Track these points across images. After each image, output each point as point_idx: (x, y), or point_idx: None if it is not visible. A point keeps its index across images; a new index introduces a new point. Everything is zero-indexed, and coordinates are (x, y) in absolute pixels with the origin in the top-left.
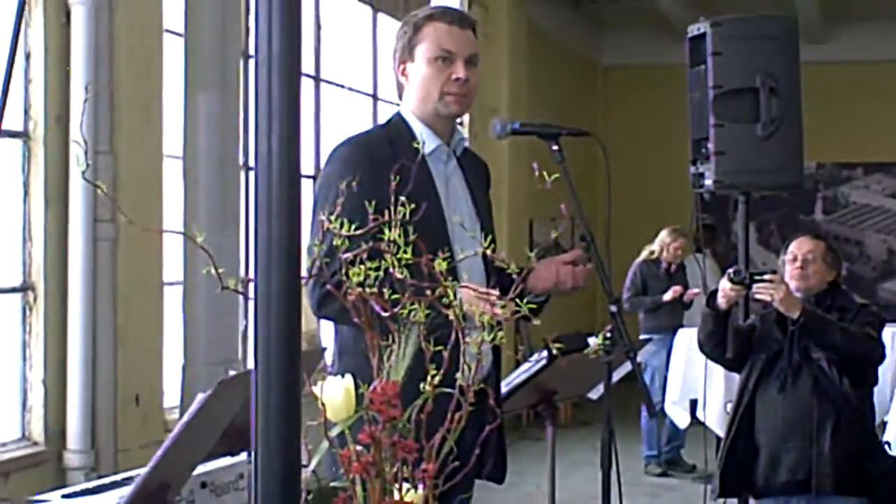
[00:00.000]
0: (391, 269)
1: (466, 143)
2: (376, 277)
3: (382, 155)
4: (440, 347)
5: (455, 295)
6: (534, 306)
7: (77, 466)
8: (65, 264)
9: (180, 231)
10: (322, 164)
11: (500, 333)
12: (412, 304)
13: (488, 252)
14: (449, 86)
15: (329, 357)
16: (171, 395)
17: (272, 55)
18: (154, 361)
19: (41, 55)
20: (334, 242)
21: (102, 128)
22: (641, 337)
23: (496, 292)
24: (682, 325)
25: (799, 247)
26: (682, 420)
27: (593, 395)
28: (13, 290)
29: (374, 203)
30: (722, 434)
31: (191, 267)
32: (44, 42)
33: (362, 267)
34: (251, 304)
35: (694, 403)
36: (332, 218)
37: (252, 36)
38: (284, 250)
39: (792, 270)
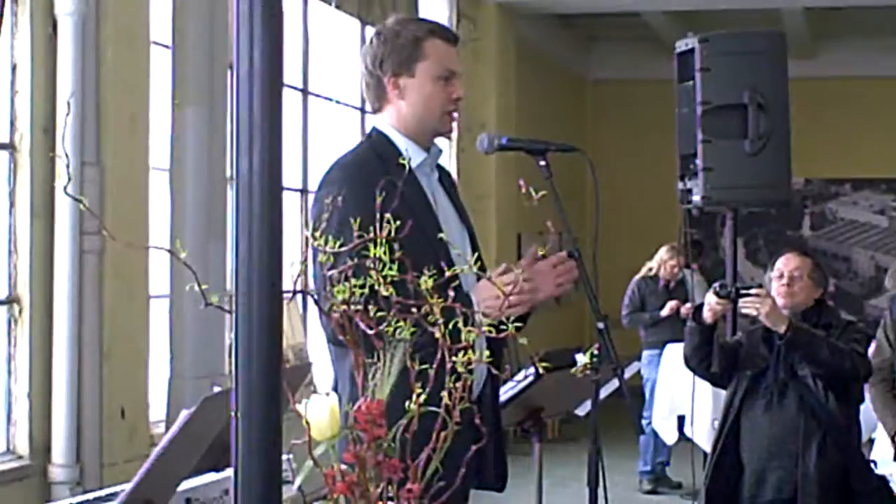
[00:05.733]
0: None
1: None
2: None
3: (375, 173)
4: (425, 365)
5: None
6: (519, 324)
7: (62, 481)
8: (51, 277)
9: (164, 247)
10: (307, 178)
11: (486, 353)
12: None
13: (475, 268)
14: (449, 105)
15: (329, 379)
16: (157, 408)
17: (253, 72)
18: (140, 375)
19: (27, 66)
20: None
21: (89, 139)
22: (645, 353)
23: (512, 285)
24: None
25: (786, 264)
26: (669, 436)
27: (581, 411)
28: None
29: (375, 221)
30: (709, 450)
31: (177, 280)
32: (30, 53)
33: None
34: None
35: (682, 419)
36: (338, 243)
37: None
38: (265, 267)
39: (779, 287)
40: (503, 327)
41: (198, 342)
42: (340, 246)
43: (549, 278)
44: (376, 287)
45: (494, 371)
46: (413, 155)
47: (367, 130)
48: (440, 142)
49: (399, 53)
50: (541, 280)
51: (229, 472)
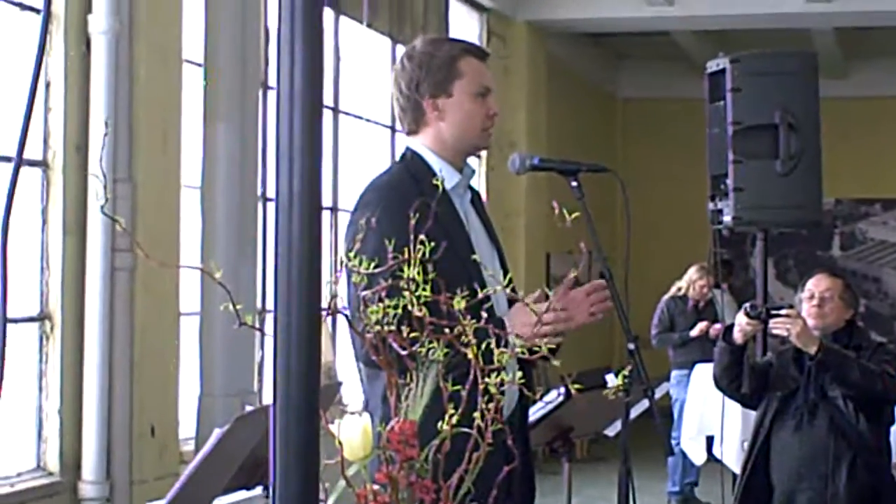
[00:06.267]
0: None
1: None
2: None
3: (410, 195)
4: (458, 387)
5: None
6: (553, 347)
7: (92, 497)
8: (82, 294)
9: (198, 267)
10: (338, 196)
11: (519, 374)
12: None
13: (507, 290)
14: (487, 121)
15: (359, 399)
16: (187, 426)
17: (294, 93)
18: (170, 392)
19: (61, 84)
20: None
21: (121, 156)
22: (674, 373)
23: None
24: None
25: (816, 284)
26: (698, 456)
27: (610, 431)
28: (30, 319)
29: (410, 243)
30: (738, 471)
31: (208, 298)
32: (64, 71)
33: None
34: (268, 335)
35: (710, 440)
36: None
37: (271, 66)
38: (305, 289)
39: (809, 308)
40: (536, 350)
41: (228, 360)
42: (376, 267)
43: (583, 306)
44: (410, 308)
45: (526, 392)
46: (447, 176)
47: (398, 149)
48: (471, 161)
49: (435, 75)
50: (574, 308)
51: (259, 490)
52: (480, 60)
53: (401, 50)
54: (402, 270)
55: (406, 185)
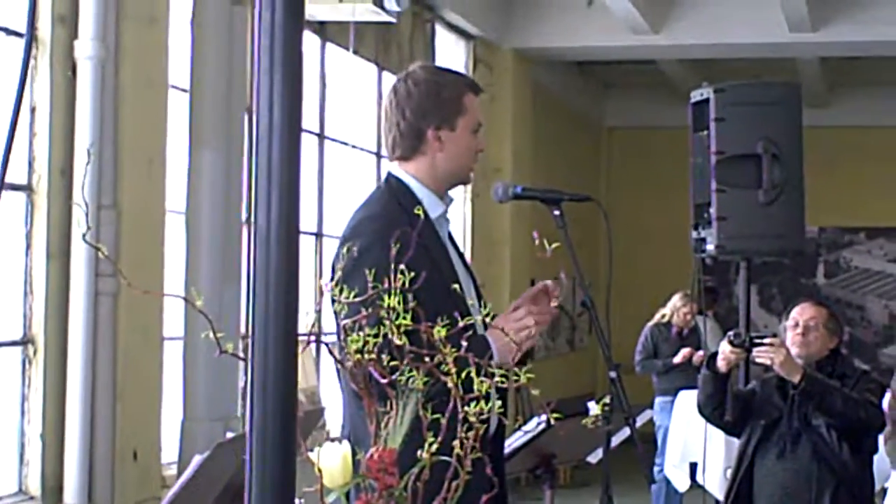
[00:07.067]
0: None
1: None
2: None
3: (401, 225)
4: (437, 415)
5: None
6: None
7: None
8: (65, 318)
9: (180, 295)
10: (322, 222)
11: (499, 403)
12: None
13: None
14: (475, 157)
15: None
16: (170, 450)
17: (273, 127)
18: (153, 417)
19: (46, 109)
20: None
21: (106, 182)
22: (657, 399)
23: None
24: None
25: (801, 313)
26: (682, 483)
27: (592, 458)
28: (13, 343)
29: (404, 275)
30: (721, 498)
31: (191, 323)
32: (49, 95)
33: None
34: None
35: (694, 467)
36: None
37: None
38: (281, 319)
39: (794, 337)
40: (515, 377)
41: (211, 385)
42: (373, 298)
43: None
44: (397, 336)
45: (503, 420)
46: (432, 206)
47: (384, 175)
48: (454, 190)
49: (445, 108)
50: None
51: None
52: (477, 97)
53: (387, 77)
54: (403, 297)
55: (397, 216)
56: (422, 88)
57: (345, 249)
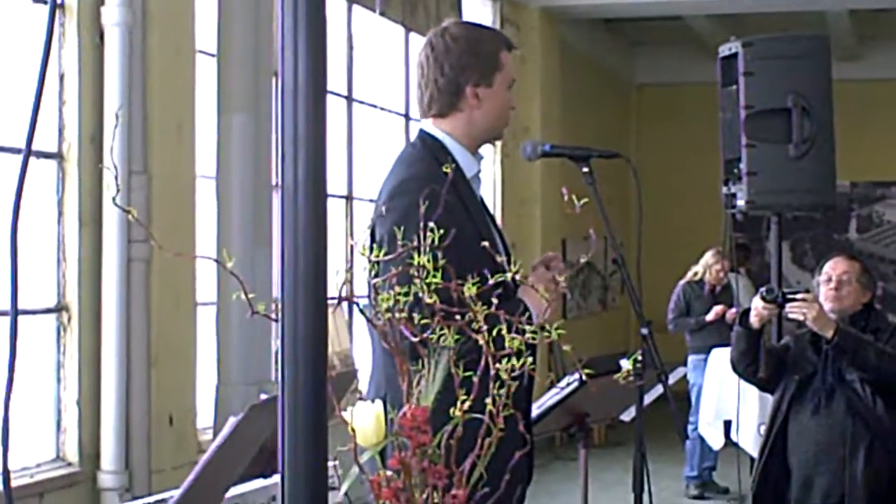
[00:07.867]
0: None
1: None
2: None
3: (442, 184)
4: (469, 373)
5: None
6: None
7: (111, 487)
8: (99, 285)
9: (212, 257)
10: (352, 184)
11: (530, 360)
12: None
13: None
14: (509, 115)
15: (367, 384)
16: (205, 415)
17: (298, 86)
18: (187, 382)
19: (75, 76)
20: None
21: (136, 148)
22: (691, 357)
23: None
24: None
25: (834, 267)
26: (716, 441)
27: (626, 417)
28: (48, 310)
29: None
30: (756, 455)
31: (224, 288)
32: (77, 63)
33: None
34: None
35: (728, 424)
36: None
37: None
38: (310, 278)
39: (826, 291)
40: (546, 334)
41: (244, 349)
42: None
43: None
44: (437, 298)
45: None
46: (468, 163)
47: (412, 136)
48: (484, 149)
49: (483, 64)
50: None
51: (276, 478)
52: (510, 53)
53: (414, 38)
54: (447, 256)
55: (438, 175)
56: (461, 44)
57: (386, 209)
